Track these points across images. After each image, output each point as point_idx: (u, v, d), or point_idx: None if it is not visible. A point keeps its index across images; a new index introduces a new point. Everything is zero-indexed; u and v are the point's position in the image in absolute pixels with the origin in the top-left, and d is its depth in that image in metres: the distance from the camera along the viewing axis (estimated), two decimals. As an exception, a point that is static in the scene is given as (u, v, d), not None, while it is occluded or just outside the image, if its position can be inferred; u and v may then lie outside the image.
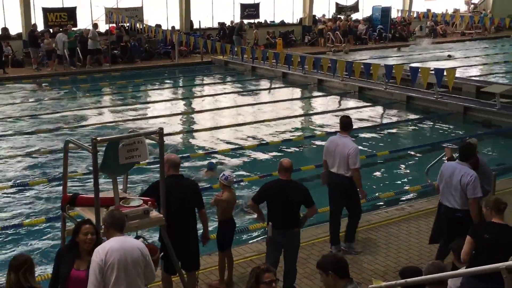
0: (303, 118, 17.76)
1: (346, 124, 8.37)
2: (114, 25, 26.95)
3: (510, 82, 21.07)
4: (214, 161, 12.67)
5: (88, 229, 5.28)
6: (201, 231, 7.05)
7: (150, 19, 29.31)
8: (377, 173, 12.30)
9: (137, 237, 6.10)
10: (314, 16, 34.16)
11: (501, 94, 16.81)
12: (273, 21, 33.40)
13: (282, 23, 33.47)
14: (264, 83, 23.82)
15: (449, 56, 29.12)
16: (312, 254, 8.28)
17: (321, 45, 31.67)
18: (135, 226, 5.91)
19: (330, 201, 8.52)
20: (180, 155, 12.66)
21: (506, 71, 24.79)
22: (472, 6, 39.60)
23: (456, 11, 38.57)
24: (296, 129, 16.06)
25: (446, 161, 8.14)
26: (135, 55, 26.88)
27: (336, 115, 17.81)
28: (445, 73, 17.20)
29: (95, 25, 25.74)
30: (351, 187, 8.22)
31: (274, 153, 13.68)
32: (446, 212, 7.36)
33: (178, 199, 6.54)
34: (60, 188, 7.15)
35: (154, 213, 6.11)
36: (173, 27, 28.61)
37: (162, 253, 6.38)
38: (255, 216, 8.55)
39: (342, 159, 8.08)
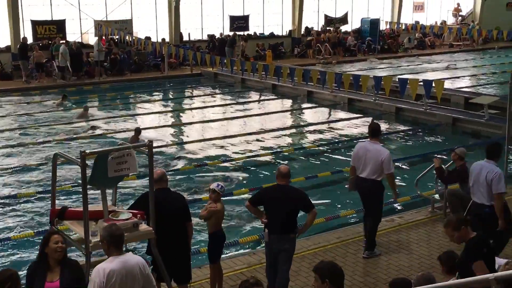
0: (293, 130, 17.77)
1: (375, 130, 8.69)
2: (104, 37, 26.93)
3: (498, 93, 21.20)
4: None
5: (58, 238, 5.38)
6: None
7: (140, 31, 29.33)
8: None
9: (127, 251, 6.07)
10: (307, 27, 34.29)
11: (489, 105, 16.93)
12: (263, 33, 33.52)
13: (272, 35, 33.59)
14: (254, 95, 23.87)
15: (448, 67, 29.29)
16: (303, 266, 8.26)
17: (309, 57, 31.77)
18: (125, 239, 5.86)
19: (364, 206, 8.79)
20: (170, 168, 12.78)
21: (493, 82, 24.97)
22: (460, 18, 39.94)
23: (444, 23, 38.85)
24: (286, 141, 16.07)
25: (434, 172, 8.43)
26: (124, 67, 26.87)
27: (325, 127, 17.88)
28: (433, 85, 17.28)
29: (100, 37, 25.86)
30: (379, 191, 8.54)
31: (265, 165, 13.68)
32: (475, 208, 7.76)
33: (166, 212, 6.54)
34: (49, 201, 7.11)
35: (143, 226, 6.08)
36: (163, 39, 28.64)
37: (152, 266, 6.36)
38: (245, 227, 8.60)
39: (375, 165, 8.35)
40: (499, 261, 6.00)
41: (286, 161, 13.83)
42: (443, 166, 9.80)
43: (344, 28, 35.33)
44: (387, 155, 8.40)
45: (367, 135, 8.78)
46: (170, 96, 23.85)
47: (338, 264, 8.04)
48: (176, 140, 16.24)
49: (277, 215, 7.00)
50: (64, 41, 26.07)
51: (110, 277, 4.96)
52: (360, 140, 9.36)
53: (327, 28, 34.70)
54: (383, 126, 18.24)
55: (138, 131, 14.55)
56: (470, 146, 15.55)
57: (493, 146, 7.97)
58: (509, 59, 31.83)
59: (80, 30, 28.05)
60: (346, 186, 12.01)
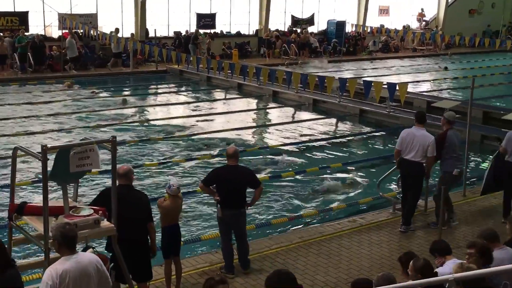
0: (257, 129, 17.79)
1: (422, 116, 9.66)
2: (67, 31, 26.49)
3: (459, 98, 21.60)
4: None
5: None
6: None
7: (105, 26, 28.94)
8: (329, 185, 12.37)
9: (87, 247, 5.98)
10: (277, 29, 34.37)
11: (450, 109, 17.18)
12: (229, 32, 33.47)
13: (238, 34, 33.57)
14: (219, 94, 23.81)
15: (446, 68, 29.87)
16: (265, 265, 8.26)
17: (268, 57, 31.76)
18: (85, 236, 5.77)
19: (403, 185, 9.67)
20: (133, 164, 12.64)
21: (455, 87, 25.42)
22: (424, 23, 40.57)
23: (408, 27, 39.42)
24: (251, 140, 16.06)
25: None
26: (88, 62, 26.48)
27: (290, 127, 17.94)
28: (397, 88, 17.54)
29: (75, 33, 25.45)
30: (422, 173, 9.42)
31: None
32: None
33: (128, 209, 6.46)
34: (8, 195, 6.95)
35: (105, 223, 5.99)
36: (132, 34, 28.31)
37: (112, 264, 6.27)
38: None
39: (421, 148, 9.21)
40: (449, 263, 6.09)
41: (250, 160, 13.83)
42: None
43: (310, 29, 35.50)
44: (433, 140, 9.26)
45: (414, 120, 9.73)
46: (134, 92, 23.55)
47: (300, 264, 8.18)
48: (140, 137, 16.06)
49: (228, 192, 7.77)
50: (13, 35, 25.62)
51: (63, 278, 4.85)
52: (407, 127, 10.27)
53: (294, 28, 34.85)
54: (347, 128, 18.45)
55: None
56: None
57: None
58: (462, 65, 32.43)
59: (43, 23, 27.53)
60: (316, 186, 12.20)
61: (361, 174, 13.27)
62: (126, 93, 23.30)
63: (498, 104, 21.04)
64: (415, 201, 9.70)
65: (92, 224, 5.82)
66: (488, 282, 5.42)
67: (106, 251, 6.77)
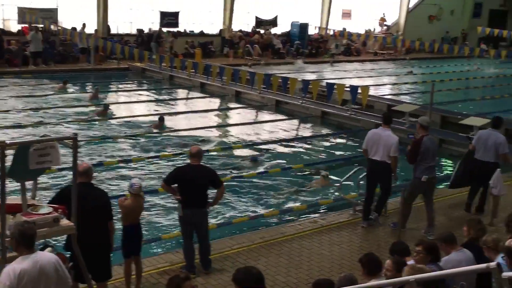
0: (219, 129, 17.74)
1: (388, 118, 10.01)
2: (27, 25, 25.97)
3: (419, 102, 21.98)
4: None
5: None
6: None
7: (65, 21, 28.43)
8: (291, 185, 12.44)
9: (45, 246, 5.87)
10: (241, 30, 34.36)
11: (410, 113, 17.49)
12: (193, 31, 33.31)
13: (202, 34, 33.44)
14: (182, 93, 23.67)
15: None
16: (226, 265, 8.24)
17: (230, 57, 31.71)
18: (44, 234, 5.66)
19: (367, 183, 9.99)
20: (93, 162, 12.45)
21: (414, 92, 25.85)
22: (385, 27, 41.15)
23: (369, 31, 39.91)
24: (212, 140, 16.00)
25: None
26: (48, 57, 26.00)
27: (252, 127, 17.96)
28: (359, 91, 17.73)
29: (35, 28, 24.93)
30: (388, 171, 9.69)
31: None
32: (480, 164, 10.26)
33: (87, 207, 6.37)
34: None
35: (64, 221, 5.88)
36: (96, 30, 27.91)
37: (71, 263, 6.17)
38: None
39: (386, 148, 9.51)
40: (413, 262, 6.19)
41: (212, 160, 13.79)
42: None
43: (273, 30, 35.63)
44: (397, 141, 9.56)
45: (380, 122, 10.36)
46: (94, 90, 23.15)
47: (261, 265, 8.18)
48: (101, 134, 15.84)
49: (190, 192, 7.73)
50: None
51: (21, 278, 4.74)
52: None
53: (257, 29, 34.93)
54: (309, 129, 18.56)
55: (161, 119, 16.11)
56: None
57: (497, 119, 10.69)
58: (422, 70, 33.00)
59: (2, 16, 26.90)
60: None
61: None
62: (85, 89, 22.91)
63: (455, 109, 21.45)
64: (386, 196, 10.06)
65: (51, 222, 5.71)
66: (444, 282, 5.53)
67: (65, 250, 6.65)
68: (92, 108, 19.05)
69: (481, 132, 10.83)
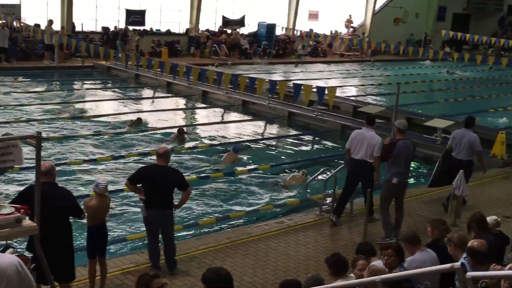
0: (185, 129, 17.59)
1: (371, 119, 10.22)
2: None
3: (384, 103, 22.23)
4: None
5: None
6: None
7: (29, 18, 27.91)
8: (257, 187, 12.43)
9: (6, 247, 5.74)
10: (207, 29, 34.22)
11: (375, 114, 17.62)
12: (159, 30, 33.07)
13: (168, 32, 33.22)
14: (148, 92, 23.47)
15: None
16: (192, 266, 8.19)
17: (196, 57, 31.56)
18: (5, 235, 5.52)
19: (348, 182, 10.07)
20: (57, 162, 12.25)
21: (380, 93, 26.13)
22: (351, 29, 41.50)
23: (336, 33, 40.22)
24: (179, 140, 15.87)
25: None
26: (10, 54, 25.49)
27: (218, 127, 17.90)
28: (326, 92, 17.83)
29: (2, 24, 24.45)
30: (371, 171, 9.80)
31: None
32: (456, 162, 10.71)
33: (50, 207, 6.26)
34: None
35: (26, 222, 5.74)
36: (63, 28, 27.47)
37: (33, 265, 6.03)
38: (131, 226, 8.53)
39: (369, 148, 9.63)
40: (379, 262, 6.24)
41: (177, 161, 13.70)
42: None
43: (240, 30, 35.61)
44: (380, 141, 9.66)
45: (364, 121, 10.46)
46: (59, 88, 22.81)
47: (227, 265, 8.15)
48: (65, 133, 15.59)
49: (155, 192, 7.61)
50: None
51: None
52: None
53: (224, 29, 34.88)
54: (275, 130, 18.59)
55: (180, 132, 15.47)
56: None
57: (469, 119, 11.22)
58: (387, 72, 33.40)
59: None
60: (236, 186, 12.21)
61: (289, 176, 13.36)
62: (52, 87, 22.52)
63: (420, 111, 21.75)
64: (370, 196, 9.89)
65: (13, 223, 5.56)
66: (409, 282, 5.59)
67: (27, 251, 6.52)
68: (58, 107, 18.76)
69: (455, 132, 11.31)
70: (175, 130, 16.83)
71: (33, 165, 5.78)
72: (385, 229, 9.40)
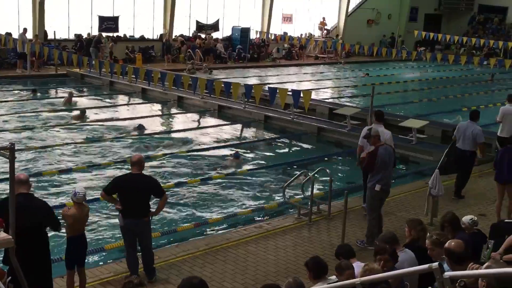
0: (162, 135, 17.51)
1: (380, 114, 10.91)
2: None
3: (359, 105, 22.38)
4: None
5: None
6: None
7: None
8: (235, 191, 12.42)
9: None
10: (182, 35, 34.10)
11: (351, 116, 17.78)
12: (133, 36, 32.88)
13: (142, 38, 33.05)
14: (123, 99, 23.30)
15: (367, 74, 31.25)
16: (171, 273, 8.15)
17: (168, 62, 31.38)
18: (-20, 249, 5.44)
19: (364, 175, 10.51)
20: (32, 173, 12.11)
21: (355, 95, 26.30)
22: (325, 31, 41.73)
23: (310, 35, 40.40)
24: (155, 146, 15.81)
25: None
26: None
27: (195, 133, 17.84)
28: (301, 95, 17.88)
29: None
30: None
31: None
32: (461, 152, 11.56)
33: (26, 218, 6.17)
34: None
35: (2, 234, 5.67)
36: (36, 36, 27.15)
37: (10, 277, 5.95)
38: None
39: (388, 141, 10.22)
40: (358, 264, 6.26)
41: (155, 167, 13.63)
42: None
43: (215, 35, 35.59)
44: (391, 134, 10.57)
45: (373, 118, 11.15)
46: (32, 97, 22.50)
47: (207, 271, 8.13)
48: (37, 144, 15.39)
49: (131, 201, 7.58)
50: None
51: None
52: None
53: (198, 34, 34.81)
54: (252, 134, 18.59)
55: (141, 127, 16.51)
56: (333, 154, 16.30)
57: (474, 112, 12.02)
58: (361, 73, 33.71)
59: None
60: (215, 190, 12.18)
61: (267, 179, 13.39)
62: (20, 96, 22.22)
63: (395, 111, 21.94)
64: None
65: (-12, 236, 5.49)
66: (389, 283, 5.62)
67: (2, 264, 6.42)
68: (32, 115, 18.52)
69: (460, 124, 12.33)
70: (150, 137, 16.79)
71: (7, 177, 5.70)
72: (368, 237, 9.30)
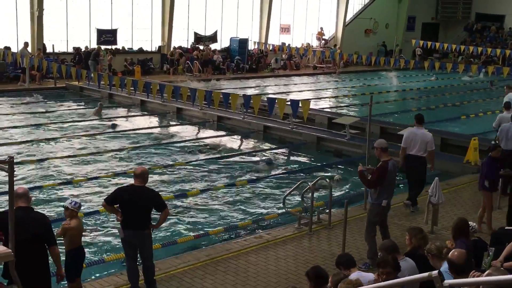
0: (161, 146, 17.50)
1: (421, 118, 11.67)
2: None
3: (358, 114, 22.40)
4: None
5: None
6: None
7: (-2, 40, 27.67)
8: (236, 202, 12.41)
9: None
10: (180, 46, 34.21)
11: (350, 125, 17.79)
12: (131, 48, 32.97)
13: (141, 51, 33.14)
14: (122, 111, 23.32)
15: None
16: (172, 285, 8.13)
17: (169, 74, 31.44)
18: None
19: (409, 175, 11.74)
20: (31, 185, 12.10)
21: (354, 104, 26.34)
22: (323, 41, 41.86)
23: (308, 45, 40.52)
24: (155, 158, 15.81)
25: None
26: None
27: (194, 144, 17.84)
28: (300, 105, 17.92)
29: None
30: (425, 164, 11.42)
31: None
32: (506, 153, 11.79)
33: (25, 232, 6.17)
34: None
35: (1, 248, 5.65)
36: (39, 50, 27.22)
37: (9, 291, 5.94)
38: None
39: (423, 144, 11.22)
40: (353, 276, 6.22)
41: (155, 179, 13.62)
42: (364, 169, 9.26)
43: (213, 46, 35.69)
44: (431, 137, 11.36)
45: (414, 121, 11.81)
46: (32, 110, 22.52)
47: (207, 283, 8.10)
48: (38, 157, 15.39)
49: (132, 213, 7.57)
50: None
51: None
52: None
53: (197, 45, 34.91)
54: (251, 144, 18.58)
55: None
56: (333, 164, 16.30)
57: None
58: (360, 82, 33.73)
59: None
60: (216, 203, 12.17)
61: (267, 190, 13.38)
62: (20, 110, 22.23)
63: (393, 120, 21.98)
64: (420, 189, 11.52)
65: (-13, 250, 5.48)
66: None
67: (2, 278, 6.41)
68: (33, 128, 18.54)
69: (503, 125, 12.92)
70: (150, 149, 16.80)
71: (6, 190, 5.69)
72: (370, 258, 8.82)
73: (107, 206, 7.81)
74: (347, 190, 13.60)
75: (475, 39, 45.98)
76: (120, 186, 8.86)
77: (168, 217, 8.40)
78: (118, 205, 7.73)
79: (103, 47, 30.45)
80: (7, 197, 5.84)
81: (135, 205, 7.56)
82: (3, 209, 8.02)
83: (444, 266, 5.88)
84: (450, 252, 5.78)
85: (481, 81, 34.49)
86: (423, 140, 11.24)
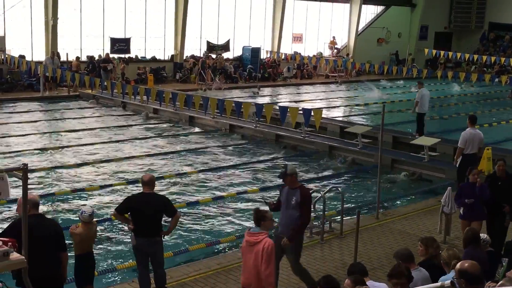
0: (173, 155, 17.54)
1: (474, 119, 13.05)
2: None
3: (371, 123, 22.33)
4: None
5: None
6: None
7: (13, 49, 27.90)
8: (247, 210, 12.39)
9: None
10: (192, 55, 34.38)
11: (362, 134, 17.75)
12: (144, 57, 33.16)
13: (154, 59, 33.32)
14: (135, 119, 23.41)
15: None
16: (184, 293, 8.13)
17: (178, 81, 31.56)
18: (-7, 269, 5.46)
19: (461, 171, 12.31)
20: (45, 193, 12.18)
21: (366, 113, 26.26)
22: (335, 50, 41.86)
23: (320, 54, 40.54)
24: (167, 166, 15.86)
25: None
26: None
27: (205, 151, 17.85)
28: (312, 113, 17.90)
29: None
30: (477, 160, 12.64)
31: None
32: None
33: (39, 239, 6.21)
34: None
35: (14, 255, 5.68)
36: (53, 53, 27.48)
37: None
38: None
39: (478, 142, 12.66)
40: (372, 283, 6.19)
41: (166, 187, 13.65)
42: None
43: (225, 55, 35.82)
44: (482, 136, 12.81)
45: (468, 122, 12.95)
46: (46, 118, 22.69)
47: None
48: (53, 164, 15.49)
49: (143, 220, 7.57)
50: None
51: None
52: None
53: (209, 54, 35.04)
54: (264, 153, 18.57)
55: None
56: (345, 173, 16.24)
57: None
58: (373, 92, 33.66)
59: None
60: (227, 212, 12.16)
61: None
62: (39, 117, 22.40)
63: (406, 129, 21.87)
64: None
65: (1, 256, 5.51)
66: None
67: (16, 285, 6.43)
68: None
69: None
70: (161, 157, 16.85)
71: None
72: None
73: (118, 215, 7.82)
74: (359, 199, 13.55)
75: (489, 48, 45.75)
76: (130, 194, 8.88)
77: (179, 224, 8.41)
78: (129, 214, 7.75)
79: (116, 55, 30.63)
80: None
81: (146, 212, 7.57)
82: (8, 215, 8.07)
83: (449, 275, 5.80)
84: (460, 263, 5.66)
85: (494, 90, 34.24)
86: (480, 139, 12.66)
